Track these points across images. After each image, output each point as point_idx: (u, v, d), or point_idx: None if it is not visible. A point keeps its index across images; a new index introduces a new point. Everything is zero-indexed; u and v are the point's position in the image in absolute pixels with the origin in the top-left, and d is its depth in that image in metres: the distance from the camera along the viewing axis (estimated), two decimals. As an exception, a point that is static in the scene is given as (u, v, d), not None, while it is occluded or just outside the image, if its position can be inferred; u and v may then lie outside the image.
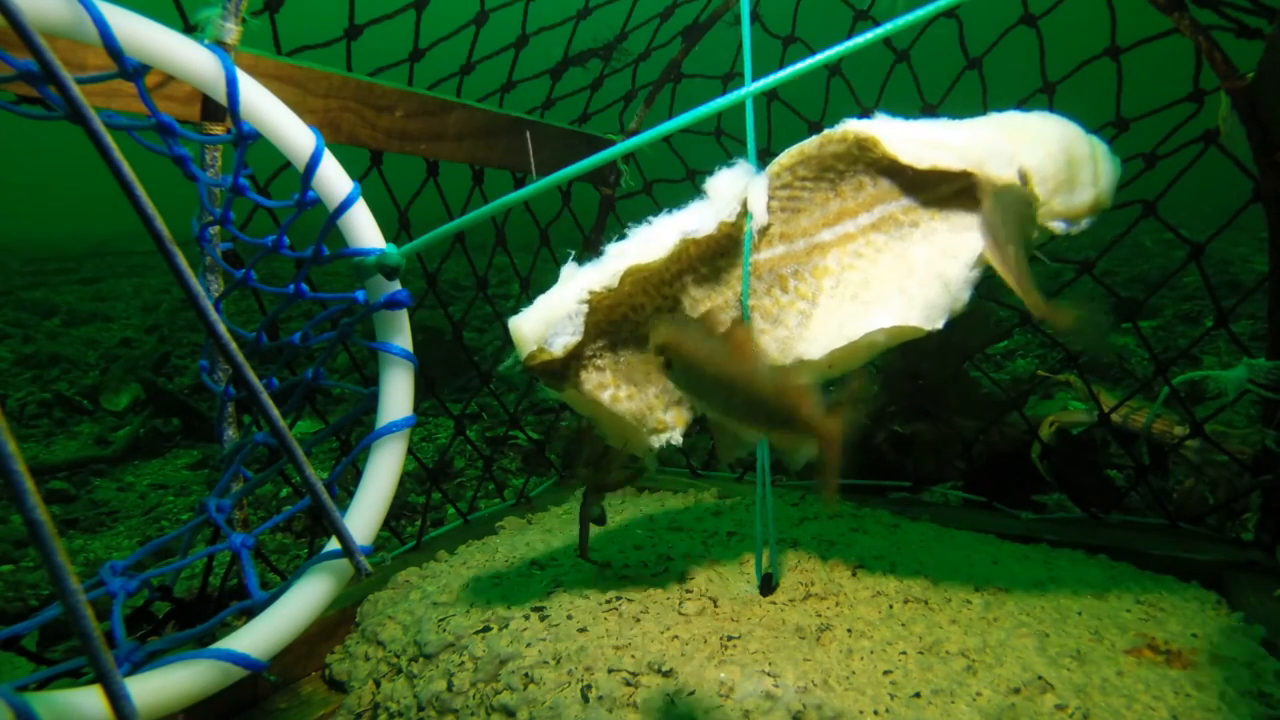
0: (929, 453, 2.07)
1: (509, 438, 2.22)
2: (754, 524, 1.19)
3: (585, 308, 1.01)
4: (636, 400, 1.06)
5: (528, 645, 1.08)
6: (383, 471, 1.01)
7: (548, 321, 1.01)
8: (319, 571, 0.94)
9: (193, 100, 1.08)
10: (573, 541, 1.45)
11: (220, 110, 1.04)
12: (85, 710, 0.74)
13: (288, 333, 1.08)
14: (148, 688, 0.81)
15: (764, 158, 1.13)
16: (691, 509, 1.66)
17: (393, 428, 1.01)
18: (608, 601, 1.18)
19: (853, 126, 1.02)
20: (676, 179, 1.92)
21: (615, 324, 1.07)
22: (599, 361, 1.06)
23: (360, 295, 1.04)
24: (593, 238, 2.01)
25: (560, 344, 1.00)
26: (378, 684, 1.14)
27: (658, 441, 1.07)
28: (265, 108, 0.99)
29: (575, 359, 1.04)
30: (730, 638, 1.06)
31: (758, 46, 1.18)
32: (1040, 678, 0.98)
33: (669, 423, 1.08)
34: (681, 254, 1.06)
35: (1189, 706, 0.94)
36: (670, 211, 1.07)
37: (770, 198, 1.07)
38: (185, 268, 0.73)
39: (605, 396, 1.05)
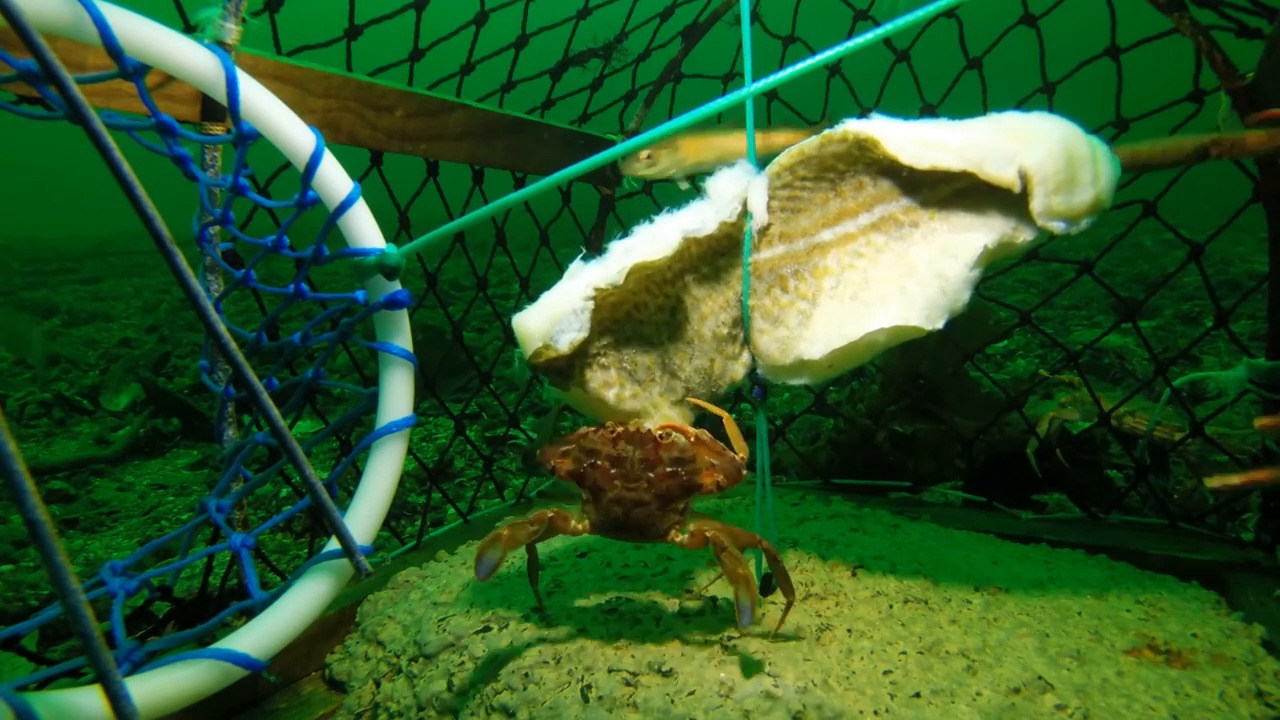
0: (929, 453, 2.07)
1: (509, 438, 2.22)
2: (754, 524, 1.19)
3: (591, 304, 1.00)
4: (641, 399, 1.06)
5: (528, 645, 1.08)
6: (383, 471, 1.01)
7: (553, 318, 1.01)
8: (319, 571, 0.94)
9: (193, 100, 1.08)
10: (574, 542, 1.45)
11: (220, 110, 1.04)
12: (85, 710, 0.74)
13: (288, 333, 1.08)
14: (148, 688, 0.81)
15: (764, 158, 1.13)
16: (691, 509, 1.66)
17: (393, 428, 1.01)
18: (608, 601, 1.18)
19: (853, 127, 1.02)
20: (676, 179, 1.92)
21: (619, 322, 1.07)
22: (603, 360, 1.05)
23: (360, 295, 1.04)
24: (593, 238, 2.01)
25: (566, 340, 0.99)
26: (378, 684, 1.14)
27: None
28: (265, 108, 0.99)
29: (580, 357, 1.03)
30: (730, 637, 1.06)
31: (758, 46, 1.18)
32: (1040, 678, 0.98)
33: (674, 420, 1.08)
34: (684, 253, 1.06)
35: (1189, 706, 0.94)
36: (671, 211, 1.07)
37: (770, 198, 1.07)
38: (185, 268, 0.73)
39: (610, 395, 1.05)
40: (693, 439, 1.03)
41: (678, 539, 1.01)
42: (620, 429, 1.02)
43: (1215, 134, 1.02)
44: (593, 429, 1.05)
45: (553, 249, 1.88)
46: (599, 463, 1.01)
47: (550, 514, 1.04)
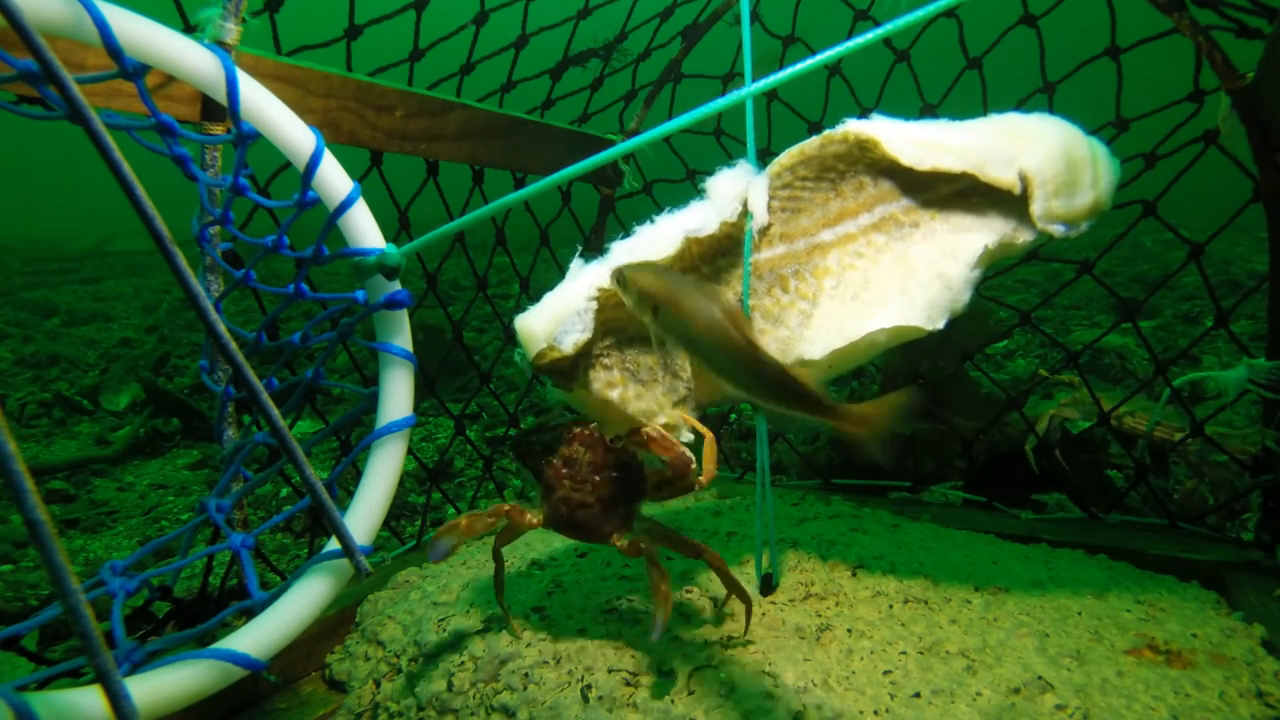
0: (929, 452, 2.07)
1: (509, 438, 2.23)
2: (754, 524, 1.19)
3: (594, 304, 1.00)
4: (645, 400, 1.06)
5: (528, 645, 1.08)
6: (383, 471, 1.01)
7: (557, 319, 1.00)
8: (319, 571, 0.94)
9: (193, 100, 1.08)
10: (574, 541, 1.45)
11: (220, 110, 1.04)
12: (85, 710, 0.74)
13: (288, 333, 1.08)
14: (148, 688, 0.81)
15: (764, 158, 1.13)
16: (691, 509, 1.66)
17: (393, 428, 1.01)
18: (608, 601, 1.18)
19: (853, 127, 1.02)
20: (676, 179, 1.92)
21: (622, 322, 1.06)
22: (607, 360, 1.05)
23: (360, 295, 1.04)
24: (593, 238, 2.01)
25: (570, 341, 0.99)
26: (378, 684, 1.14)
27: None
28: (265, 108, 0.99)
29: (584, 357, 1.03)
30: (730, 638, 1.06)
31: (758, 46, 1.18)
32: (1040, 678, 0.98)
33: (677, 421, 1.08)
34: (685, 253, 1.06)
35: (1189, 706, 0.94)
36: (672, 211, 1.07)
37: (771, 198, 1.07)
38: (185, 268, 0.73)
39: (614, 395, 1.04)
40: (644, 437, 1.03)
41: (618, 544, 1.03)
42: (576, 430, 1.04)
43: None
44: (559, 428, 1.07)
45: (553, 249, 1.88)
46: (554, 460, 1.04)
47: (507, 508, 1.07)
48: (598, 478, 1.02)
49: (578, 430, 1.04)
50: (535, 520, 1.07)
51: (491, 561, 1.40)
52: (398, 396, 1.03)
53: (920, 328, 0.98)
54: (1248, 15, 1.31)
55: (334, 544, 0.90)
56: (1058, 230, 0.95)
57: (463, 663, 1.08)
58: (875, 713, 0.91)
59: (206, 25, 1.04)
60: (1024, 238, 0.98)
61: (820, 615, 1.13)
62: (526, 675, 1.02)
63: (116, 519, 2.75)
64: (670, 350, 1.07)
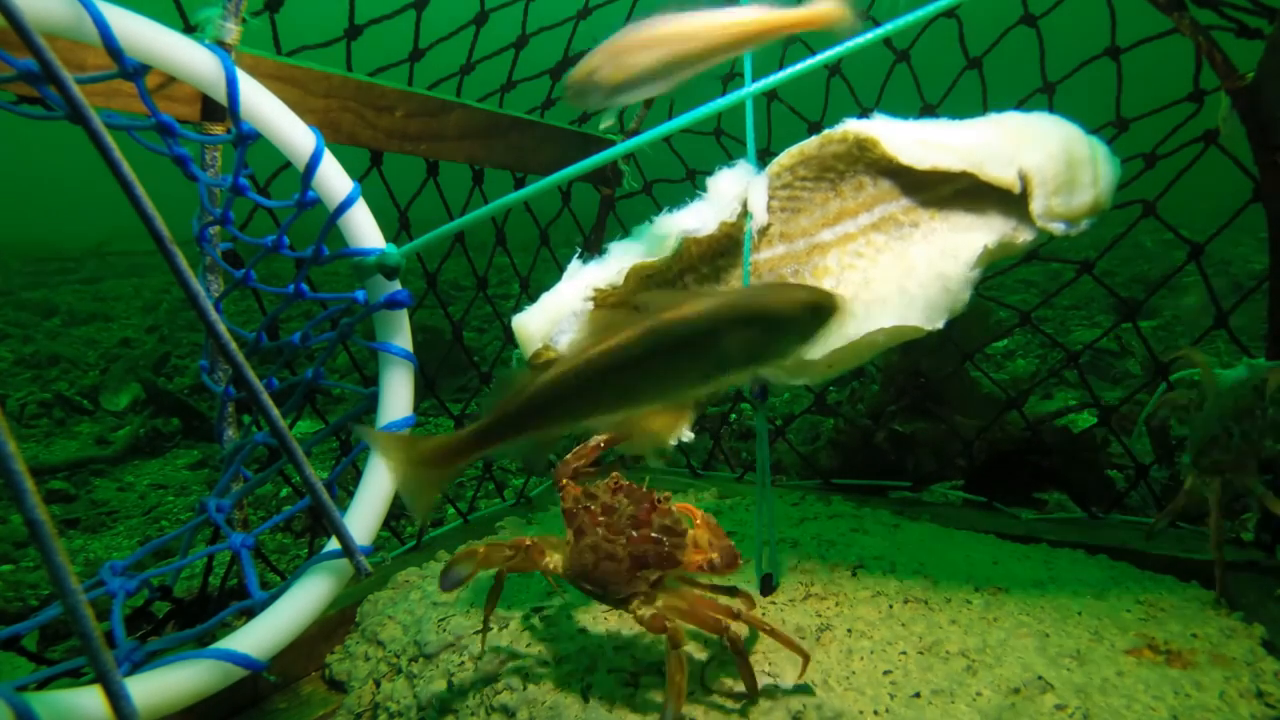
0: (929, 452, 2.07)
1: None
2: (754, 524, 1.19)
3: (591, 305, 1.00)
4: None
5: (528, 645, 1.08)
6: (383, 471, 1.01)
7: (553, 319, 1.01)
8: (319, 571, 0.94)
9: (193, 100, 1.09)
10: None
11: (220, 110, 1.05)
12: (85, 710, 0.74)
13: (288, 333, 1.08)
14: (148, 688, 0.81)
15: (764, 158, 1.13)
16: (691, 509, 1.66)
17: (392, 428, 1.01)
18: (608, 601, 1.18)
19: (853, 127, 1.02)
20: (676, 179, 1.92)
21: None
22: None
23: (360, 295, 1.04)
24: (593, 238, 2.02)
25: (566, 341, 0.99)
26: (378, 684, 1.14)
27: (670, 439, 1.06)
28: (265, 108, 0.99)
29: None
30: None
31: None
32: (1040, 678, 0.98)
33: (678, 421, 1.07)
34: (683, 253, 1.06)
35: (1189, 706, 0.94)
36: (671, 211, 1.07)
37: (770, 198, 1.07)
38: (185, 268, 0.73)
39: None
40: (697, 520, 0.99)
41: (638, 611, 0.94)
42: (626, 483, 0.99)
43: None
44: (599, 482, 1.02)
45: (553, 249, 1.88)
46: (591, 507, 0.97)
47: (529, 543, 1.00)
48: (635, 533, 0.94)
49: (627, 484, 0.99)
50: (553, 565, 0.99)
51: (491, 561, 1.40)
52: (398, 396, 1.04)
53: (920, 328, 0.98)
54: (1248, 15, 1.31)
55: (334, 544, 0.90)
56: (1058, 229, 0.95)
57: (463, 663, 1.08)
58: (875, 713, 0.91)
59: (206, 25, 1.04)
60: (1024, 237, 0.98)
61: (820, 615, 1.13)
62: (526, 675, 1.02)
63: (116, 519, 2.75)
64: None
